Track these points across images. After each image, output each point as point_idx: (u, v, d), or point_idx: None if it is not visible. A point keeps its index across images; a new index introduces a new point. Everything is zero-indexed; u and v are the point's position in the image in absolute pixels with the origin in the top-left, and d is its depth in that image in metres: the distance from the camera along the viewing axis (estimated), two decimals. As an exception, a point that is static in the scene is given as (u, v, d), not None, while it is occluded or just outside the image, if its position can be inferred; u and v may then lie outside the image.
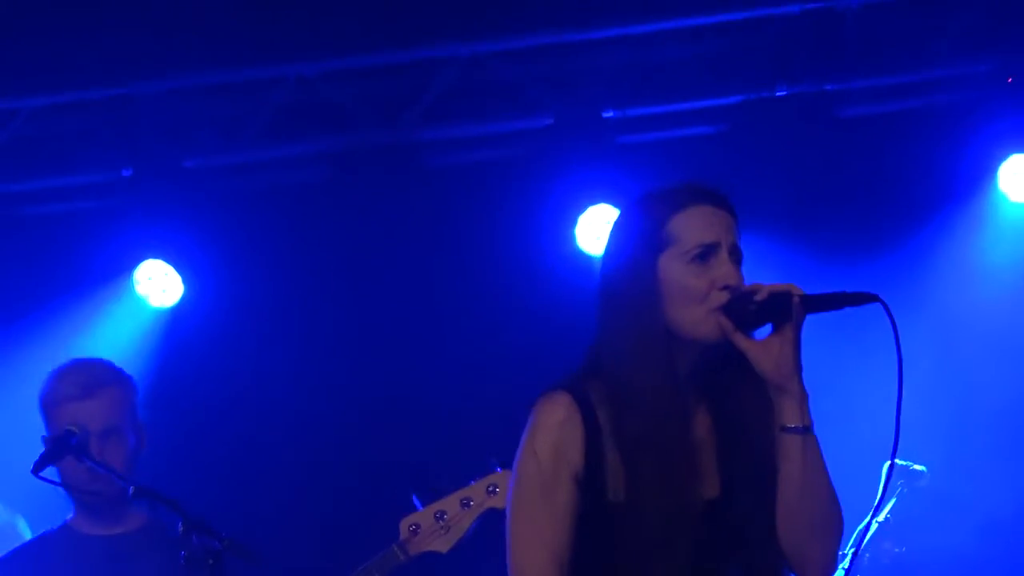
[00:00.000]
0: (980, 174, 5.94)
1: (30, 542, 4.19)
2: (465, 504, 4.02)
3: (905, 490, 5.01)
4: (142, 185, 5.78)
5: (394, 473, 5.90)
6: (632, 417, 2.70)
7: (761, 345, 2.61)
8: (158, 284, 5.84)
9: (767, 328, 2.65)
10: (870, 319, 6.05)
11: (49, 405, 3.97)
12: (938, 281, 5.76)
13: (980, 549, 5.45)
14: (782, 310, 2.55)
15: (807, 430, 2.61)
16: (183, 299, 5.87)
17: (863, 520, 4.87)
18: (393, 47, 5.53)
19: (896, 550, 5.13)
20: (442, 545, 4.00)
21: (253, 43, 5.43)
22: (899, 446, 5.48)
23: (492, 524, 4.39)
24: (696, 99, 5.91)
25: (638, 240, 2.73)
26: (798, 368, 2.59)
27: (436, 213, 5.96)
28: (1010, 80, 5.82)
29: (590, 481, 2.65)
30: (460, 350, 5.89)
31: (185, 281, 5.82)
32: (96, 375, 4.05)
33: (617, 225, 2.83)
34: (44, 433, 3.95)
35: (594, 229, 5.90)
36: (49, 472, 3.72)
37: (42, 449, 3.71)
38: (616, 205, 5.99)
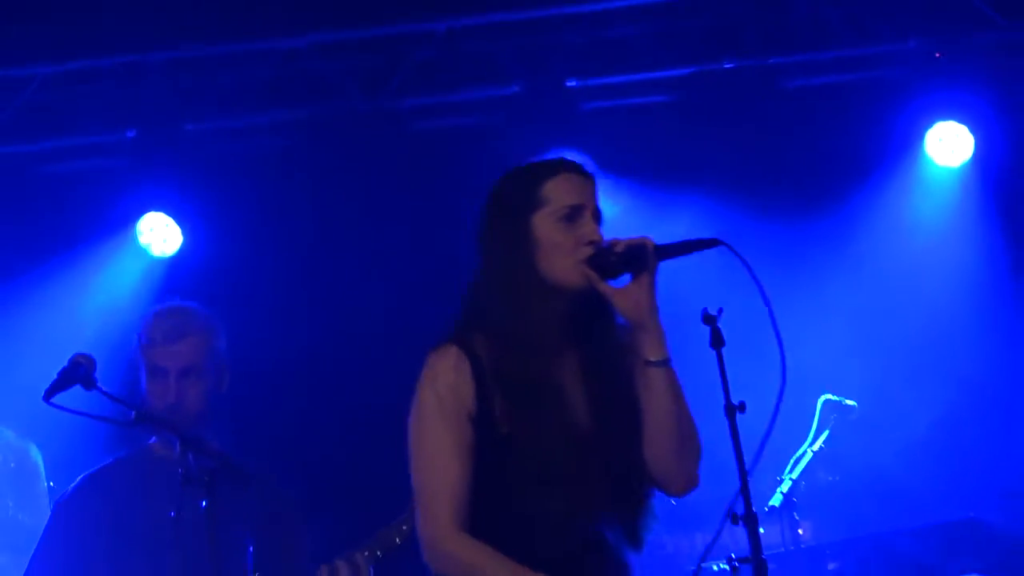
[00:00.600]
0: (910, 140, 6.12)
1: (109, 462, 4.27)
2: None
3: (838, 424, 5.18)
4: (145, 146, 5.98)
5: (379, 415, 6.27)
6: (512, 359, 2.89)
7: (622, 291, 2.79)
8: (159, 235, 6.09)
9: (628, 278, 2.87)
10: (812, 269, 6.05)
11: (144, 346, 4.14)
12: (872, 235, 6.00)
13: (901, 469, 5.59)
14: (638, 260, 2.75)
15: (666, 363, 2.80)
16: (182, 248, 6.10)
17: (799, 450, 5.11)
18: (375, 22, 5.56)
19: (829, 478, 5.28)
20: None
21: (248, 18, 5.48)
22: (835, 382, 5.58)
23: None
24: (650, 71, 6.05)
25: (515, 201, 2.93)
26: (655, 309, 2.78)
27: (415, 173, 6.09)
28: (938, 55, 5.98)
29: (481, 419, 2.83)
30: (432, 283, 5.80)
31: (184, 232, 6.05)
32: (182, 320, 4.18)
33: (496, 189, 3.03)
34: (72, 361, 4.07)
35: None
36: (62, 401, 3.66)
37: (63, 369, 3.68)
38: None
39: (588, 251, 2.77)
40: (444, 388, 2.95)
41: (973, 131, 5.92)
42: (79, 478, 4.23)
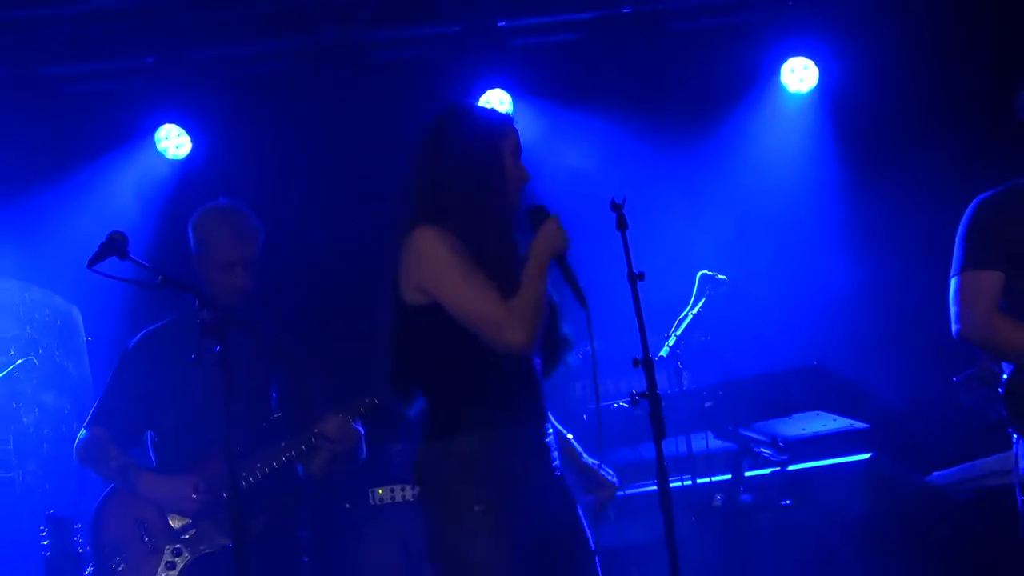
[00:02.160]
0: (769, 73, 6.43)
1: (163, 323, 4.63)
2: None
3: (712, 294, 5.48)
4: (161, 69, 6.29)
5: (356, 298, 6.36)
6: (488, 239, 3.37)
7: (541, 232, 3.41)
8: (173, 142, 6.46)
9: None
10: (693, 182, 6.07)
11: (214, 243, 4.44)
12: (741, 150, 6.19)
13: (760, 328, 6.04)
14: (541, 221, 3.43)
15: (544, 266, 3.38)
16: (192, 152, 6.44)
17: (682, 313, 5.50)
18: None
19: (704, 337, 5.59)
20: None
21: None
22: (710, 262, 5.72)
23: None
24: (565, 14, 6.35)
25: (495, 131, 3.46)
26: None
27: (380, 97, 6.31)
28: (790, 3, 6.28)
29: None
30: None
31: (193, 140, 6.40)
32: (248, 223, 4.54)
33: (474, 117, 3.57)
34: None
35: (495, 106, 6.15)
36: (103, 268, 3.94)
37: (102, 242, 3.94)
38: (508, 91, 6.42)
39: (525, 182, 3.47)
40: (449, 246, 3.35)
41: (818, 64, 6.23)
42: (140, 334, 4.62)
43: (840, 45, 6.25)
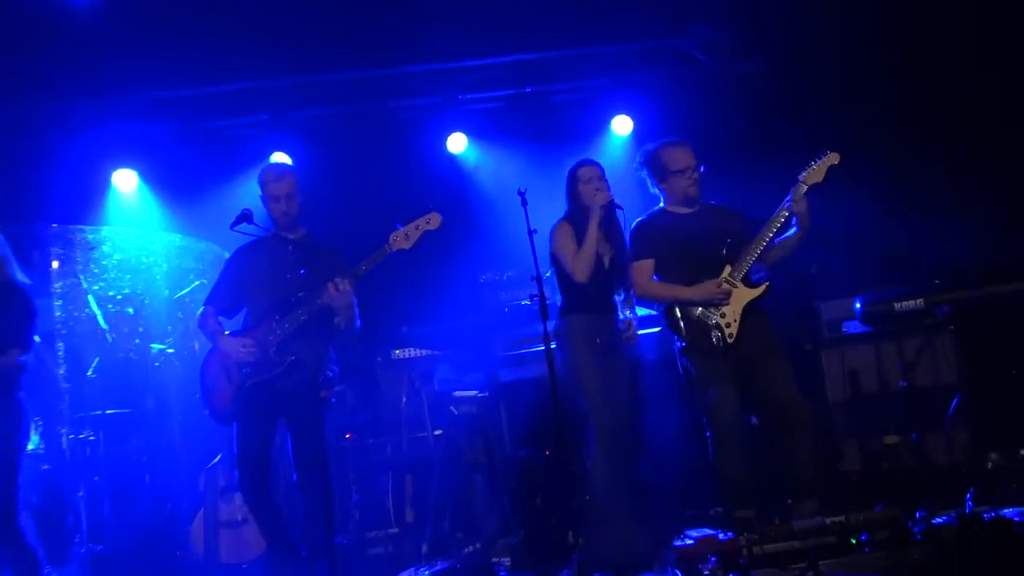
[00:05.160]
0: (605, 122, 6.89)
1: (255, 239, 4.83)
2: (416, 228, 4.68)
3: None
4: (272, 123, 6.82)
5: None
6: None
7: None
8: (280, 161, 6.53)
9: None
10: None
11: (261, 184, 4.89)
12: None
13: None
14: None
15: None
16: None
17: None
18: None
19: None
20: (405, 244, 4.65)
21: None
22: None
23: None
24: (496, 90, 6.84)
25: (575, 171, 4.64)
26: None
27: (395, 137, 6.99)
28: (614, 84, 6.73)
29: None
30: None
31: (292, 160, 6.67)
32: (282, 170, 4.94)
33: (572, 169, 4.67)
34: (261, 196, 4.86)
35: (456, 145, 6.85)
36: (243, 228, 4.61)
37: (236, 215, 4.60)
38: (464, 133, 6.82)
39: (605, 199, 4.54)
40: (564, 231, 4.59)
41: (633, 118, 6.95)
42: (241, 244, 4.93)
43: (645, 108, 6.91)
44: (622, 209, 4.71)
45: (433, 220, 4.59)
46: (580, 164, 4.86)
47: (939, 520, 4.10)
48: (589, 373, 4.59)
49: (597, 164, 4.86)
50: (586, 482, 4.56)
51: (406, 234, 4.55)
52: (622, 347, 4.77)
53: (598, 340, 4.72)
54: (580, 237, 4.71)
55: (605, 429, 4.54)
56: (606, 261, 4.78)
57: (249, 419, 4.68)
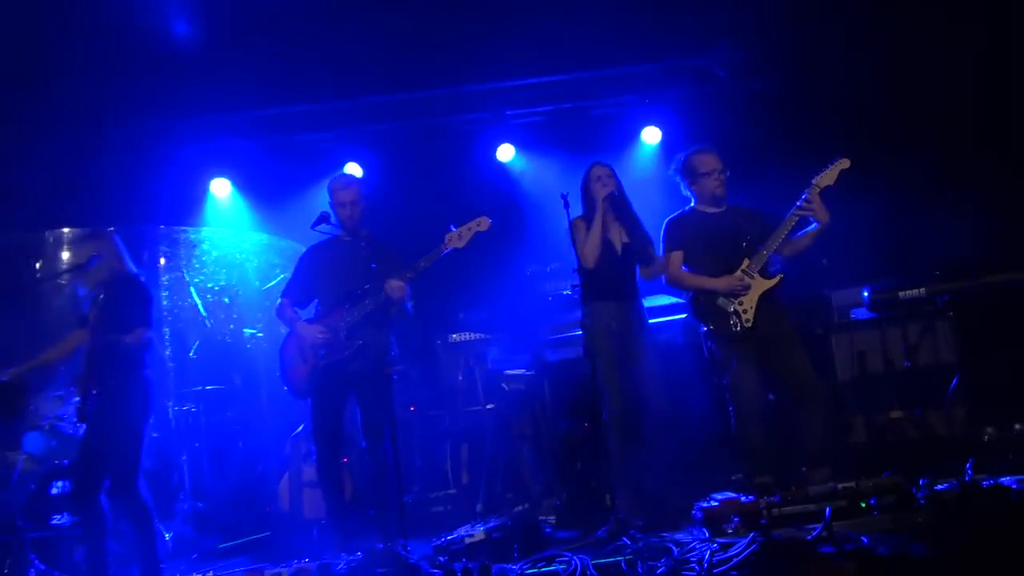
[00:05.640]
0: (636, 132, 6.63)
1: (326, 239, 4.86)
2: (468, 229, 4.65)
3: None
4: (348, 136, 6.75)
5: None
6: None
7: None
8: (355, 169, 6.63)
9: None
10: None
11: (331, 192, 4.88)
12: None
13: None
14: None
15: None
16: (364, 175, 6.66)
17: None
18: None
19: None
20: (459, 243, 4.63)
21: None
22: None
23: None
24: (538, 106, 6.66)
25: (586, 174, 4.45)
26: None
27: (450, 149, 6.79)
28: (647, 100, 6.54)
29: None
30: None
31: (364, 170, 6.69)
32: (348, 180, 4.93)
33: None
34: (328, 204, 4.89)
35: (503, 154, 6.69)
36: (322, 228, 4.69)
37: (316, 217, 4.69)
38: (512, 143, 6.63)
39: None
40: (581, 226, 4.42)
41: (661, 129, 6.73)
42: (313, 243, 4.95)
43: (671, 120, 6.72)
44: (622, 199, 4.58)
45: (483, 223, 4.58)
46: (592, 165, 4.79)
47: (941, 487, 3.97)
48: (604, 358, 4.49)
49: (607, 164, 4.78)
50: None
51: (459, 235, 4.55)
52: (642, 332, 4.67)
53: (614, 325, 4.60)
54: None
55: (615, 412, 4.50)
56: (619, 248, 4.66)
57: (323, 395, 4.69)
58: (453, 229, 4.56)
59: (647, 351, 4.63)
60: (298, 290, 4.85)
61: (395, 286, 4.44)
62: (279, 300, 4.88)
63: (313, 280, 4.83)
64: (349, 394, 4.66)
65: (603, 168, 4.79)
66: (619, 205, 4.65)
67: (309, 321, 4.81)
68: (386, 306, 4.53)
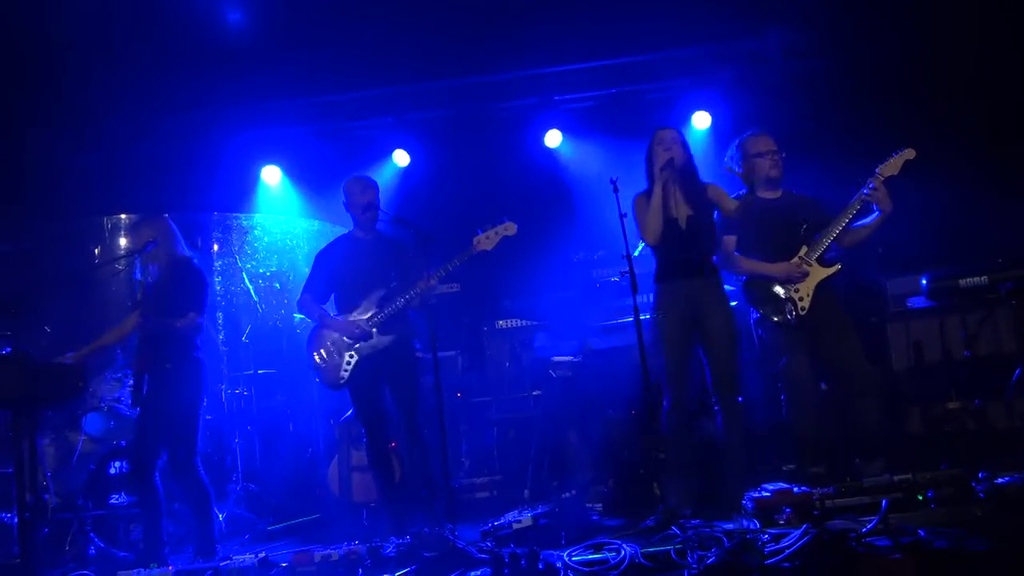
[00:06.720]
0: (686, 117, 6.59)
1: (344, 235, 4.96)
2: (496, 233, 4.58)
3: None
4: (397, 125, 6.77)
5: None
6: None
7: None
8: (401, 158, 6.78)
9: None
10: None
11: (347, 193, 4.81)
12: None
13: None
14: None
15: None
16: (410, 163, 6.84)
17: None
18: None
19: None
20: (488, 245, 4.58)
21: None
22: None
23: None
24: (588, 91, 6.62)
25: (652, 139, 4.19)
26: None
27: (500, 133, 6.77)
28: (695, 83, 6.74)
29: None
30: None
31: (411, 157, 6.81)
32: (366, 182, 4.85)
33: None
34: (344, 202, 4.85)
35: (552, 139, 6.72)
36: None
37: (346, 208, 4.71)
38: (559, 129, 6.65)
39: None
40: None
41: (711, 114, 6.74)
42: (333, 240, 4.89)
43: (721, 105, 6.71)
44: (688, 167, 4.28)
45: (510, 228, 4.51)
46: (657, 129, 4.56)
47: (1002, 480, 3.80)
48: (668, 343, 4.33)
49: (673, 128, 4.53)
50: (663, 441, 4.44)
51: (487, 237, 4.50)
52: (717, 315, 4.38)
53: (683, 307, 4.38)
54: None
55: (673, 399, 4.35)
56: (683, 223, 4.37)
57: (359, 386, 4.69)
58: (480, 233, 4.53)
59: (723, 336, 4.34)
60: (321, 286, 4.83)
61: (427, 285, 4.43)
62: (300, 294, 4.86)
63: (332, 276, 4.82)
64: (383, 385, 4.67)
65: (667, 131, 4.53)
66: (684, 174, 4.36)
67: (340, 315, 4.81)
68: (413, 302, 4.56)
